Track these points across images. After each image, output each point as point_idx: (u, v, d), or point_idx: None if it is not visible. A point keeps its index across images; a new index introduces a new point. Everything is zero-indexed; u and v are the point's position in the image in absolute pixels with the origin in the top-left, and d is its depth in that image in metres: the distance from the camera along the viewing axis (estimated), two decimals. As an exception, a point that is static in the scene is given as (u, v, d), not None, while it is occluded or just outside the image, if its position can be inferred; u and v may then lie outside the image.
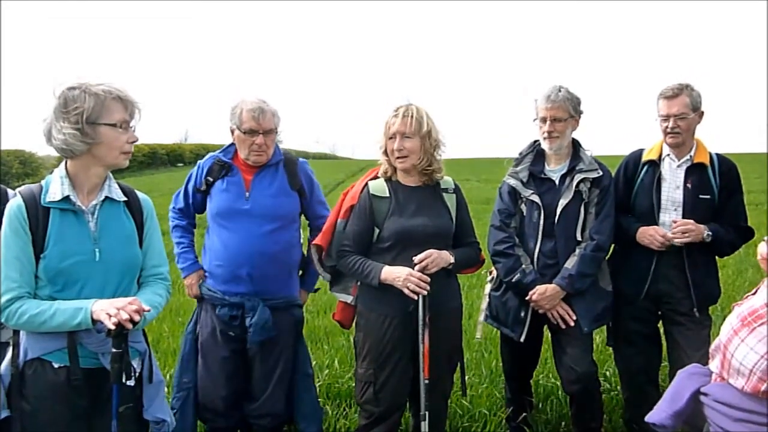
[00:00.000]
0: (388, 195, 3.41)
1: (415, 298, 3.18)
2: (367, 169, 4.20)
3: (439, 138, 3.42)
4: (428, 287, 3.20)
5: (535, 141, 3.94)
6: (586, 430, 3.87)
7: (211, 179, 3.68)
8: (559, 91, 3.75)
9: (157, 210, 2.89)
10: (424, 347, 3.21)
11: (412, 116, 3.32)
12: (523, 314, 3.83)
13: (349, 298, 3.56)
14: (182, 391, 3.72)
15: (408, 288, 3.18)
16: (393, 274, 3.23)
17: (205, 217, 3.82)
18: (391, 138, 3.36)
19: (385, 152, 3.42)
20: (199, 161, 3.83)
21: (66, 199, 2.56)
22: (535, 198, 3.79)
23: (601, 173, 3.78)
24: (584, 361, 3.75)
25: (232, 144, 3.73)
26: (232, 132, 3.63)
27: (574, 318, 3.74)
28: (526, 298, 3.77)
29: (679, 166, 3.86)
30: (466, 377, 3.85)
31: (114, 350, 2.47)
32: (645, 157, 3.95)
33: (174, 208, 3.90)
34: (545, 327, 3.98)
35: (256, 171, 3.66)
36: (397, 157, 3.35)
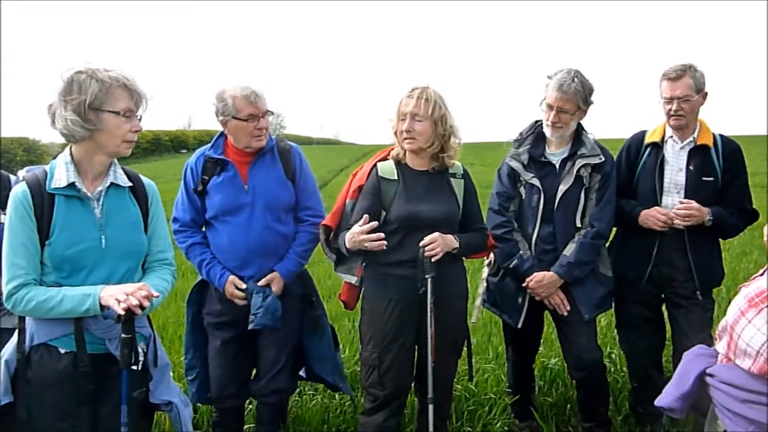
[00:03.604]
0: (396, 178, 3.40)
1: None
2: (370, 154, 4.18)
3: (455, 125, 3.38)
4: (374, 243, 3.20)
5: (537, 121, 3.88)
6: (593, 415, 3.87)
7: (207, 178, 3.58)
8: (573, 81, 3.62)
9: (161, 196, 2.89)
10: (431, 331, 3.21)
11: (426, 99, 3.28)
12: (520, 300, 3.83)
13: (353, 279, 3.54)
14: (194, 368, 3.75)
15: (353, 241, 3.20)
16: (350, 236, 3.25)
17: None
18: (402, 119, 3.33)
19: (396, 133, 3.39)
20: (188, 162, 3.67)
21: (71, 185, 2.56)
22: (536, 182, 3.75)
23: (603, 159, 3.73)
24: (589, 348, 3.74)
25: (219, 138, 3.65)
26: (224, 124, 3.53)
27: (569, 308, 3.74)
28: (523, 284, 3.77)
29: (682, 148, 3.83)
30: (472, 360, 3.85)
31: (123, 336, 2.49)
32: (647, 140, 3.91)
33: (182, 224, 3.66)
34: (546, 313, 3.99)
35: (251, 161, 3.58)
36: (405, 138, 3.33)
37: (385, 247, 3.20)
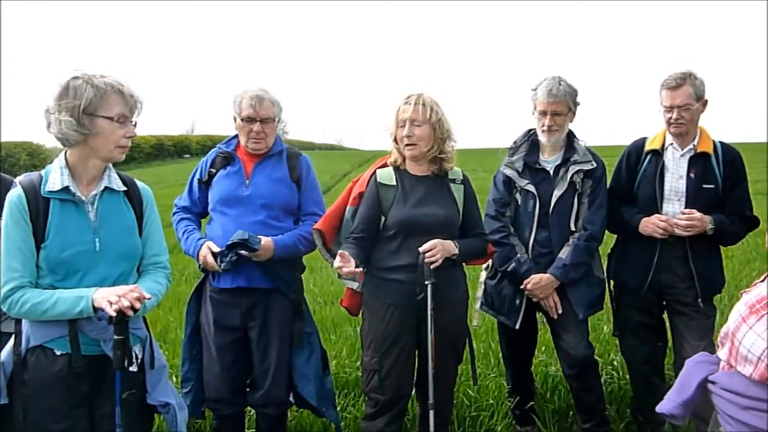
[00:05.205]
0: (394, 183, 3.42)
1: None
2: (373, 159, 4.20)
3: (450, 129, 3.43)
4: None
5: (530, 130, 3.98)
6: (591, 413, 3.89)
7: (213, 171, 3.71)
8: (559, 84, 3.77)
9: (163, 201, 2.90)
10: (431, 337, 3.22)
11: (423, 104, 3.34)
12: (518, 302, 3.90)
13: (355, 285, 3.56)
14: (189, 381, 3.74)
15: None
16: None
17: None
18: (401, 126, 3.37)
19: (395, 140, 3.43)
20: (205, 156, 3.85)
21: (66, 189, 2.59)
22: (531, 188, 3.84)
23: (594, 165, 3.83)
24: (581, 345, 3.80)
25: (234, 137, 3.78)
26: (234, 120, 3.68)
27: (560, 311, 3.81)
28: (521, 286, 3.82)
29: (682, 155, 3.83)
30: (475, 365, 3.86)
31: (116, 337, 2.51)
32: (648, 147, 3.92)
33: (177, 206, 3.82)
34: (540, 314, 4.04)
35: (258, 160, 3.69)
36: (407, 144, 3.36)
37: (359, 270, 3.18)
